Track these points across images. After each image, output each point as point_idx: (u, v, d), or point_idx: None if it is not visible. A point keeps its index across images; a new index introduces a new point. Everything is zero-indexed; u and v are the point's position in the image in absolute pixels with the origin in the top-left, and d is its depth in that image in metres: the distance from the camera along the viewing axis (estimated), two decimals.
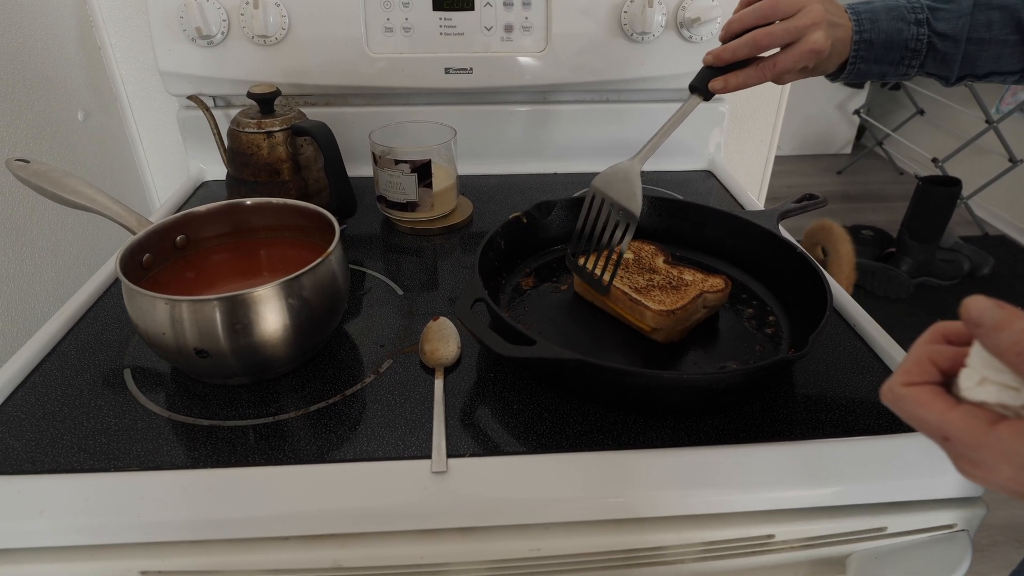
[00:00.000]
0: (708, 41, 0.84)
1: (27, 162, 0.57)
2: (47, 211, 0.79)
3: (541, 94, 0.91)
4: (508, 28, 0.83)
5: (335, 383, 0.52)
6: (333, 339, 0.58)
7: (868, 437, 0.47)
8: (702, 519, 0.45)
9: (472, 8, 0.81)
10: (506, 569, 0.45)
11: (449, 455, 0.45)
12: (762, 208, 0.92)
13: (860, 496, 0.45)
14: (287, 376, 0.53)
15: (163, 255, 0.57)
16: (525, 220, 0.67)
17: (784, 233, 0.67)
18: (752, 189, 1.11)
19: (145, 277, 0.55)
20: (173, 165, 1.01)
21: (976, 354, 0.28)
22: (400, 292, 0.65)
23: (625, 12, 0.82)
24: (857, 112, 3.25)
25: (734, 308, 0.62)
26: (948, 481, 0.45)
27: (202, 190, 0.89)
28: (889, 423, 0.48)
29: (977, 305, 0.27)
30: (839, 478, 0.45)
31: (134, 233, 0.54)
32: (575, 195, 0.86)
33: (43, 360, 0.54)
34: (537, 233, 0.69)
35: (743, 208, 0.84)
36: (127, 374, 0.53)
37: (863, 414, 0.49)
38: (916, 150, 2.95)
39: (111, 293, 0.64)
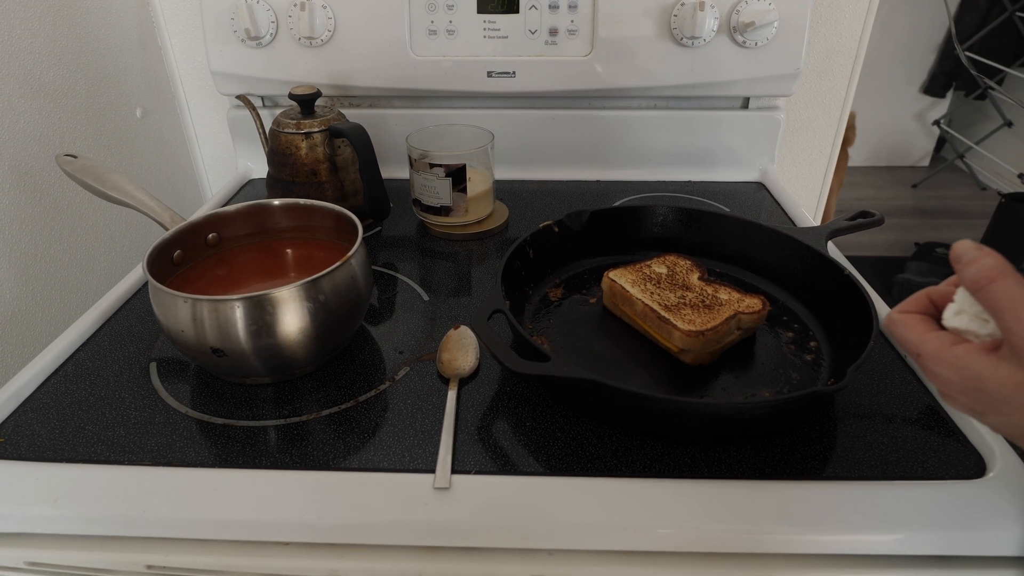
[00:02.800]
0: (763, 47, 0.80)
1: (75, 157, 0.59)
2: (102, 203, 0.82)
3: (585, 99, 0.89)
4: (553, 31, 0.81)
5: (351, 388, 0.52)
6: (355, 341, 0.58)
7: (910, 482, 0.43)
8: (716, 557, 0.42)
9: (517, 11, 0.80)
10: None
11: (455, 471, 0.44)
12: (816, 224, 0.87)
13: (895, 547, 0.41)
14: (305, 378, 0.53)
15: (195, 252, 0.58)
16: (557, 229, 0.65)
17: (832, 253, 0.63)
18: (809, 203, 1.06)
19: (176, 273, 0.56)
20: (226, 162, 1.04)
21: (961, 290, 0.33)
22: (426, 298, 0.64)
23: (675, 16, 0.79)
24: (937, 123, 3.07)
25: (773, 331, 0.58)
26: (1001, 537, 0.40)
27: (248, 187, 0.91)
28: (935, 469, 0.44)
29: (961, 245, 0.32)
30: (873, 524, 0.41)
31: (167, 229, 0.56)
32: (614, 204, 0.84)
33: (78, 349, 0.56)
34: (569, 243, 0.66)
35: (794, 224, 0.79)
36: (153, 367, 0.54)
37: (906, 456, 0.45)
38: (1001, 164, 2.75)
39: (148, 287, 0.66)
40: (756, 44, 0.80)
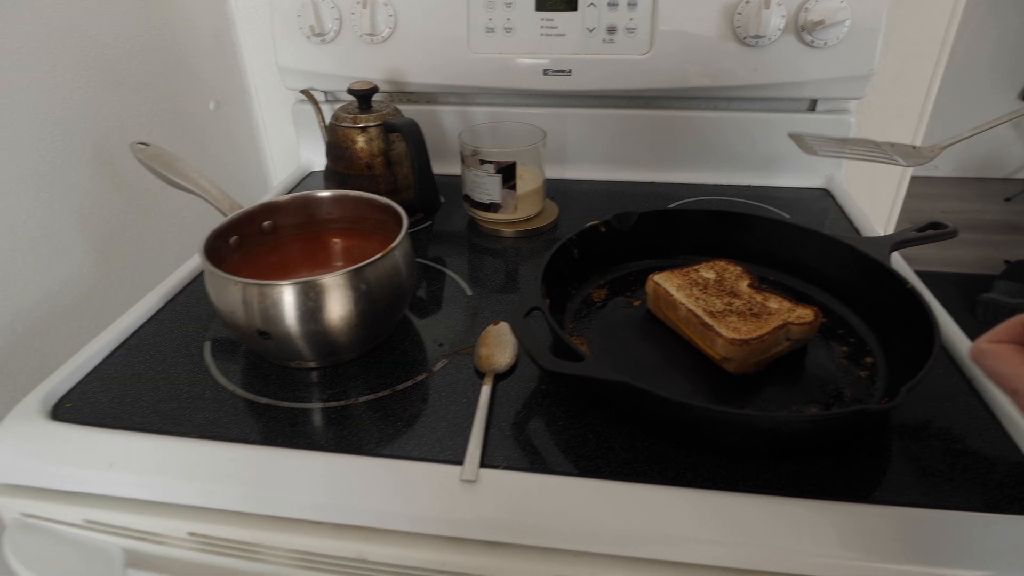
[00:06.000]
0: (833, 46, 0.76)
1: (147, 145, 0.63)
2: (175, 190, 0.87)
3: (643, 99, 0.88)
4: (611, 30, 0.80)
5: (389, 376, 0.53)
6: (398, 331, 0.59)
7: (965, 513, 0.40)
8: (742, 574, 0.40)
9: (575, 9, 0.79)
10: None
11: (483, 464, 0.44)
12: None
13: None
14: (347, 364, 0.55)
15: (251, 238, 0.60)
16: (604, 229, 0.65)
17: (896, 264, 0.59)
18: (879, 215, 1.00)
19: (232, 257, 0.59)
20: (292, 154, 1.08)
21: None
22: (469, 292, 0.65)
23: (739, 14, 0.76)
24: None
25: (827, 343, 0.55)
26: None
27: (309, 179, 0.94)
28: (997, 501, 0.41)
29: None
30: (918, 555, 0.38)
31: (225, 215, 0.58)
32: (669, 207, 0.82)
33: (141, 326, 0.60)
34: (616, 244, 0.66)
35: (859, 235, 0.75)
36: (207, 346, 0.57)
37: (960, 486, 0.42)
38: None
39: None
40: (825, 44, 0.76)
